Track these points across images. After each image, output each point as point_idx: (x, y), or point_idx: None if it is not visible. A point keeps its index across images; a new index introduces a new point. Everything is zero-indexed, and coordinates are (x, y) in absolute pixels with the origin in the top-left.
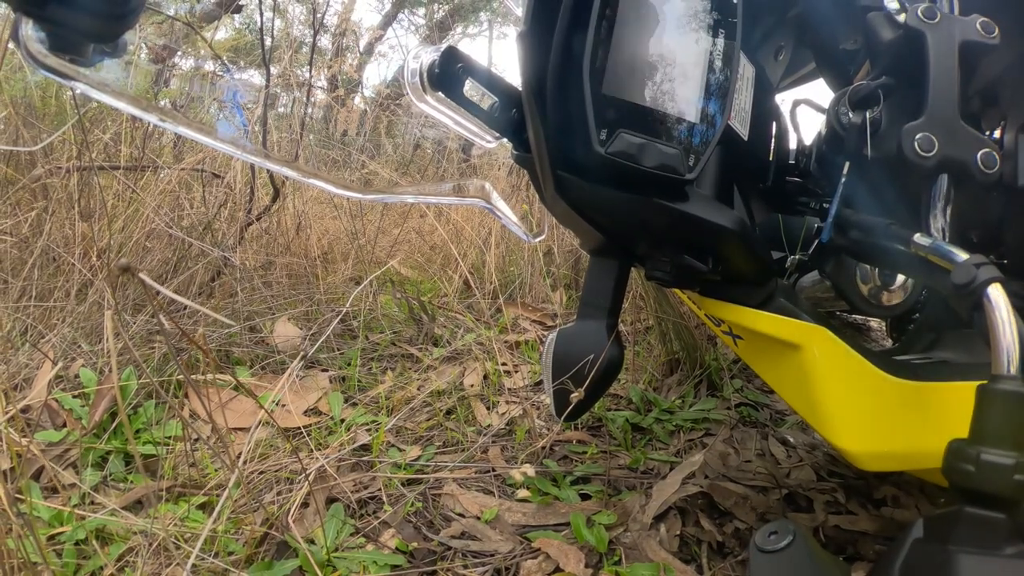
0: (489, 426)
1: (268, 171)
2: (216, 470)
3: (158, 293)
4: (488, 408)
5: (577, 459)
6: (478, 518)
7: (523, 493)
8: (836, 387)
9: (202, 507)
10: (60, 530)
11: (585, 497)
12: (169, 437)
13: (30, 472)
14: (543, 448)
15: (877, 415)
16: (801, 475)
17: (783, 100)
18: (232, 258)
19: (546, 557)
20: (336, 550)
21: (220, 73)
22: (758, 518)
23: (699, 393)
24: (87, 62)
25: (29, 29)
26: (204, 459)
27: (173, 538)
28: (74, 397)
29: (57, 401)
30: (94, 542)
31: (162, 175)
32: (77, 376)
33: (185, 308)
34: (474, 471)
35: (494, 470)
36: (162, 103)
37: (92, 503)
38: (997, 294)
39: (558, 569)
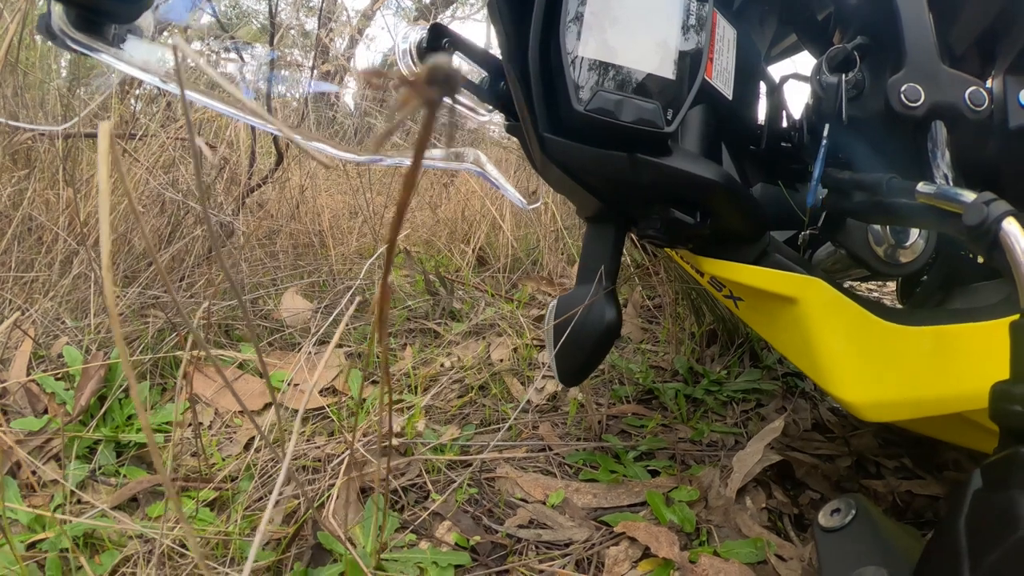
0: (529, 401)
1: (273, 136)
2: (224, 459)
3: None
4: (523, 383)
5: (636, 433)
6: (543, 503)
7: (587, 472)
8: (834, 337)
9: (211, 504)
10: (41, 536)
11: (654, 473)
12: (166, 423)
13: (5, 468)
14: (599, 423)
15: (876, 363)
16: (863, 442)
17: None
18: (234, 223)
19: (631, 542)
20: (383, 550)
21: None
22: (832, 486)
23: (743, 364)
24: (108, 42)
25: (58, 10)
26: (212, 446)
27: (177, 543)
28: (57, 379)
29: (37, 384)
30: (82, 550)
31: (152, 138)
32: (60, 356)
33: (182, 279)
34: (526, 450)
35: (550, 448)
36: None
37: (79, 502)
38: (1013, 227)
39: (646, 555)
